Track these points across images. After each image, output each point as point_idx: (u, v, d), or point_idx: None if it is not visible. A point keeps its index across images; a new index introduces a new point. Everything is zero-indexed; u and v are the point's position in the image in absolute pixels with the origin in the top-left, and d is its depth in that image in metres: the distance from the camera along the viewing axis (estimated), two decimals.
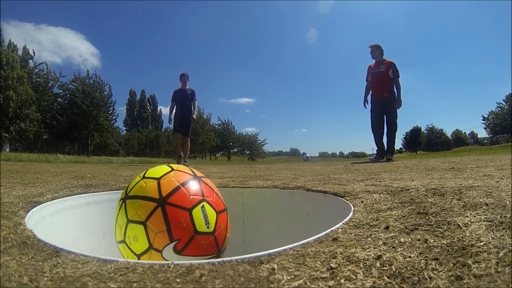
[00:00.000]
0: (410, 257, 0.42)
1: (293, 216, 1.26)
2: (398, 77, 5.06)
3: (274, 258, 0.44)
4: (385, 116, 5.10)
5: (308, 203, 1.22)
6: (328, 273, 0.39)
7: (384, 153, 5.11)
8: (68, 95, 24.28)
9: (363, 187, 1.18)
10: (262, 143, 47.33)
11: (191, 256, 0.72)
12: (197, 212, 0.75)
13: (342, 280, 0.36)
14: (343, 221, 0.67)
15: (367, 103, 5.34)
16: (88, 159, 10.95)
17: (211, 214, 0.77)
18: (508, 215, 0.58)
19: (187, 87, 6.35)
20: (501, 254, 0.39)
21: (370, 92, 5.27)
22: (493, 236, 0.47)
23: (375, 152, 5.45)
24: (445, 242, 0.47)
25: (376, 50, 5.23)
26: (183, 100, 6.18)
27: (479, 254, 0.41)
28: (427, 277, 0.36)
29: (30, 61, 22.91)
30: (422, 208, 0.72)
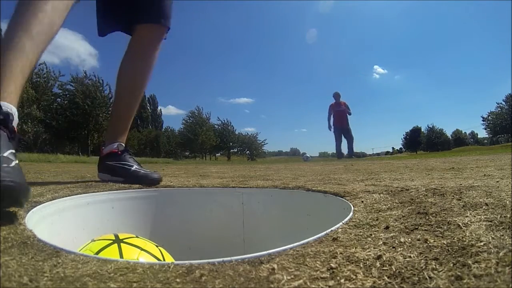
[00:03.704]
0: (410, 257, 0.42)
1: (293, 216, 1.26)
2: (350, 114, 9.58)
3: (274, 258, 0.44)
4: (343, 135, 9.35)
5: (308, 203, 1.22)
6: (328, 273, 0.39)
7: (342, 154, 9.40)
8: (67, 95, 24.23)
9: (363, 187, 1.18)
10: (262, 143, 47.31)
11: None
12: None
13: (342, 280, 0.36)
14: (343, 221, 0.66)
15: (331, 128, 9.40)
16: (88, 159, 10.94)
17: None
18: (508, 215, 0.58)
19: None
20: (501, 254, 0.39)
21: (332, 120, 9.37)
22: (493, 236, 0.47)
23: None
24: (445, 242, 0.47)
25: (338, 96, 9.48)
26: None
27: (479, 254, 0.41)
28: (427, 277, 0.36)
29: None
30: (422, 208, 0.72)
